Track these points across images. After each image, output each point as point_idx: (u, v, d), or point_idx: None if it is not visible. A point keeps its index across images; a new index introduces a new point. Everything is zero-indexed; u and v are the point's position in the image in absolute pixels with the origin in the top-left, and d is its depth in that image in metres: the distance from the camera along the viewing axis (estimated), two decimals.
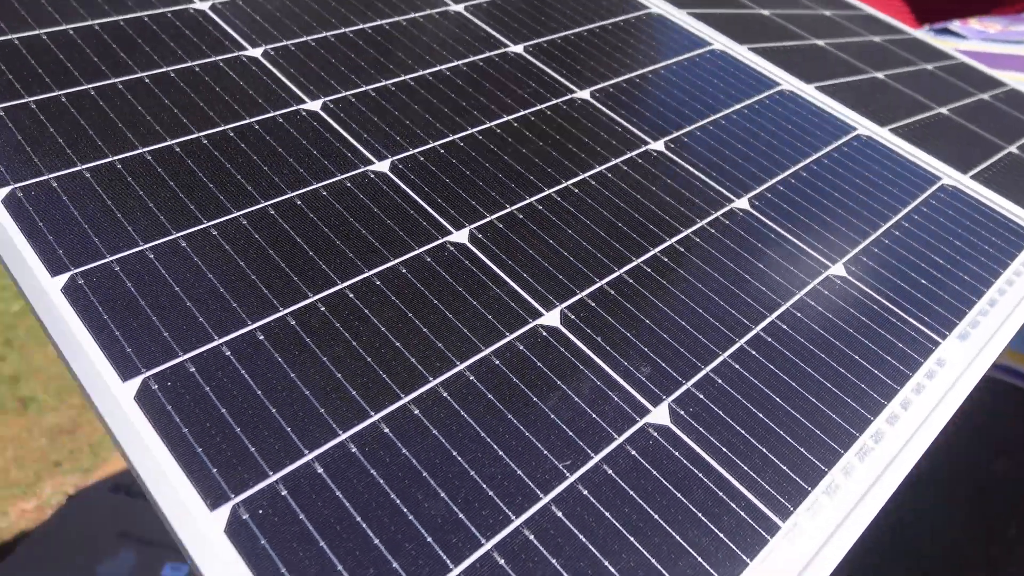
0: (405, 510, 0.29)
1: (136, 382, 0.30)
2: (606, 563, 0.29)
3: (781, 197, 0.48)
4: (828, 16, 0.84)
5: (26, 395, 2.20)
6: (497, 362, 0.35)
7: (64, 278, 0.33)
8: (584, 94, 0.53)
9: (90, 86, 0.42)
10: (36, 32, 0.44)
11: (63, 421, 2.10)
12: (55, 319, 0.32)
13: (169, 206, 0.38)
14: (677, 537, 0.30)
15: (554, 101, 0.52)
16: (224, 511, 0.28)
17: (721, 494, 0.32)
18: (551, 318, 0.37)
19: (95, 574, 1.58)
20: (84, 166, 0.38)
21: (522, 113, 0.50)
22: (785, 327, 0.40)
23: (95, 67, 0.43)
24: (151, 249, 0.36)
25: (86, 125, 0.40)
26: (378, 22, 0.52)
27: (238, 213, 0.38)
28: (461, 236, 0.40)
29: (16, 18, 0.44)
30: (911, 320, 0.41)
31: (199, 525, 0.27)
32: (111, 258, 0.35)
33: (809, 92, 0.59)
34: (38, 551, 1.65)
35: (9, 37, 0.43)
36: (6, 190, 0.36)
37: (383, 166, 0.43)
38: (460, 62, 0.52)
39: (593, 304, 0.39)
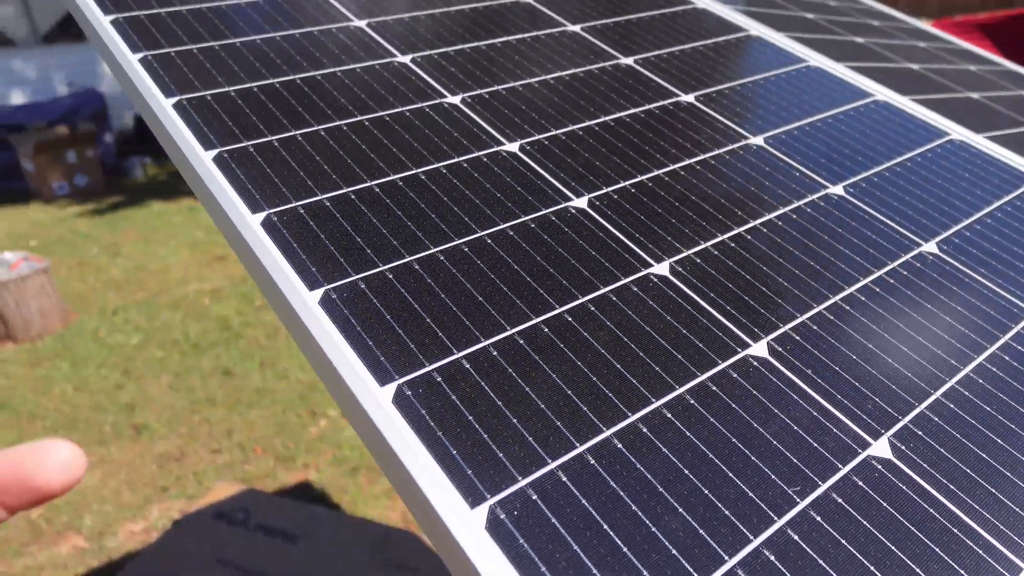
0: (647, 521, 0.30)
1: (392, 387, 0.33)
2: None
3: (968, 241, 0.48)
4: (973, 71, 0.83)
5: (140, 423, 2.32)
6: (713, 387, 0.36)
7: (319, 293, 0.36)
8: (758, 140, 0.55)
9: (320, 127, 0.47)
10: (248, 85, 0.49)
11: (172, 449, 2.20)
12: (319, 327, 0.35)
13: (400, 233, 0.41)
14: (918, 570, 0.30)
15: (730, 146, 0.53)
16: (483, 510, 0.29)
17: (956, 531, 0.32)
18: (759, 349, 0.38)
19: None
20: (323, 196, 0.42)
21: (702, 157, 0.52)
22: (994, 369, 0.40)
23: (321, 111, 0.48)
24: (390, 270, 0.39)
25: (322, 161, 0.45)
26: (559, 73, 0.55)
27: (459, 241, 0.41)
28: (662, 269, 0.42)
29: (231, 74, 0.49)
30: None
31: (464, 520, 0.29)
32: (356, 276, 0.38)
33: (979, 142, 0.59)
34: (143, 571, 1.72)
35: (227, 90, 0.48)
36: (262, 215, 0.41)
37: (581, 202, 0.46)
38: (637, 110, 0.55)
39: (797, 337, 0.39)
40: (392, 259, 0.39)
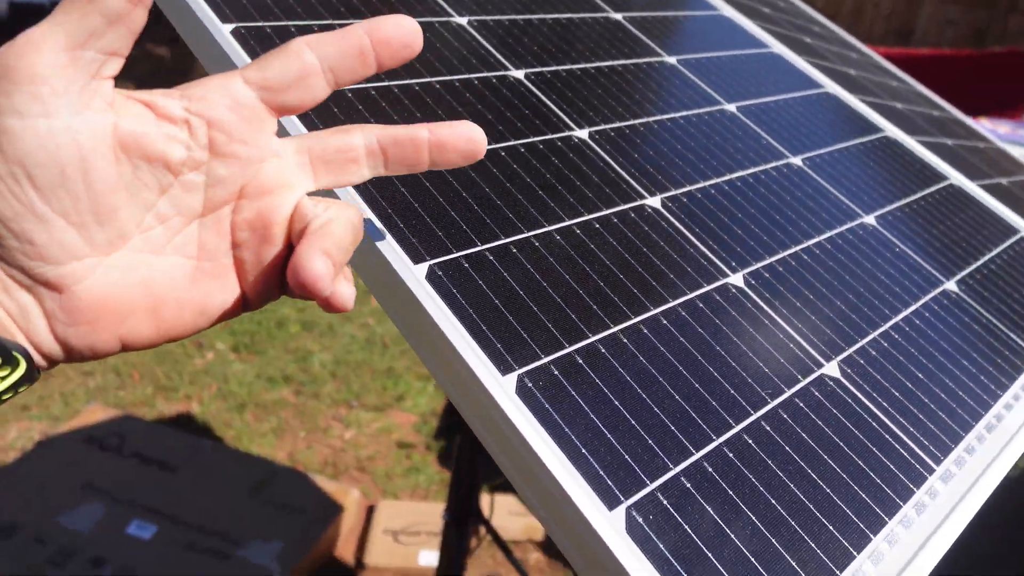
0: (650, 403, 0.34)
1: (512, 378, 0.33)
2: None
3: (899, 217, 0.56)
4: (894, 86, 0.94)
5: None
6: (700, 304, 0.40)
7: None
8: (732, 107, 0.60)
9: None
10: None
11: None
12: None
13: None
14: (857, 460, 0.36)
15: (707, 108, 0.58)
16: (512, 379, 0.32)
17: (887, 436, 0.38)
18: (736, 279, 0.43)
19: (57, 520, 1.54)
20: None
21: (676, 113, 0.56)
22: (927, 314, 0.47)
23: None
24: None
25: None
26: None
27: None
28: (655, 202, 0.46)
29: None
30: None
31: (500, 383, 0.32)
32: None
33: (908, 141, 0.67)
34: None
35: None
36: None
37: (583, 133, 0.49)
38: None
39: (767, 275, 0.45)
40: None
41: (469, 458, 1.26)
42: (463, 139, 0.30)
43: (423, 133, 0.30)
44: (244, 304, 0.29)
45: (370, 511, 1.78)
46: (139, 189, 0.26)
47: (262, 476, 1.71)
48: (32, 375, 0.24)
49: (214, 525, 1.59)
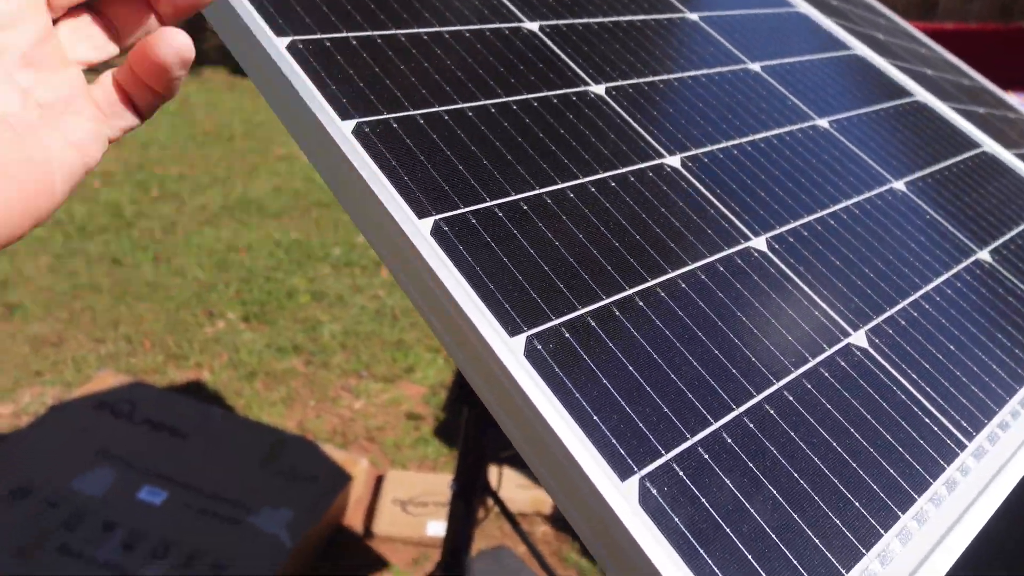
0: (667, 369, 0.32)
1: (521, 339, 0.31)
2: None
3: (929, 184, 0.53)
4: (923, 52, 0.90)
5: (13, 301, 2.15)
6: (721, 268, 0.38)
7: (352, 123, 0.35)
8: (755, 66, 0.57)
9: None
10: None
11: (48, 332, 2.06)
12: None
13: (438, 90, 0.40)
14: (886, 434, 0.34)
15: (730, 66, 0.55)
16: (520, 340, 0.30)
17: (916, 409, 0.36)
18: (759, 243, 0.41)
19: (70, 485, 1.55)
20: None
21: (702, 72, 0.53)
22: (959, 284, 0.45)
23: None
24: (422, 115, 0.38)
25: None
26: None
27: (487, 101, 0.41)
28: (675, 161, 0.44)
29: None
30: None
31: (508, 345, 0.30)
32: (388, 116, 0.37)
33: (939, 105, 0.64)
34: (12, 455, 1.62)
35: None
36: (287, 39, 0.38)
37: (599, 88, 0.46)
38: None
39: (792, 239, 0.42)
40: (422, 106, 0.39)
41: (477, 430, 1.25)
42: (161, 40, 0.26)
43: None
44: (80, 158, 0.26)
45: (379, 481, 1.78)
46: None
47: (272, 444, 1.72)
48: None
49: (224, 492, 1.60)
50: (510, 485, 1.78)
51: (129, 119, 0.27)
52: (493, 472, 1.75)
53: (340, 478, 1.67)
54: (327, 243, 2.65)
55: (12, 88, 0.24)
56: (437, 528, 1.69)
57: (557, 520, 1.76)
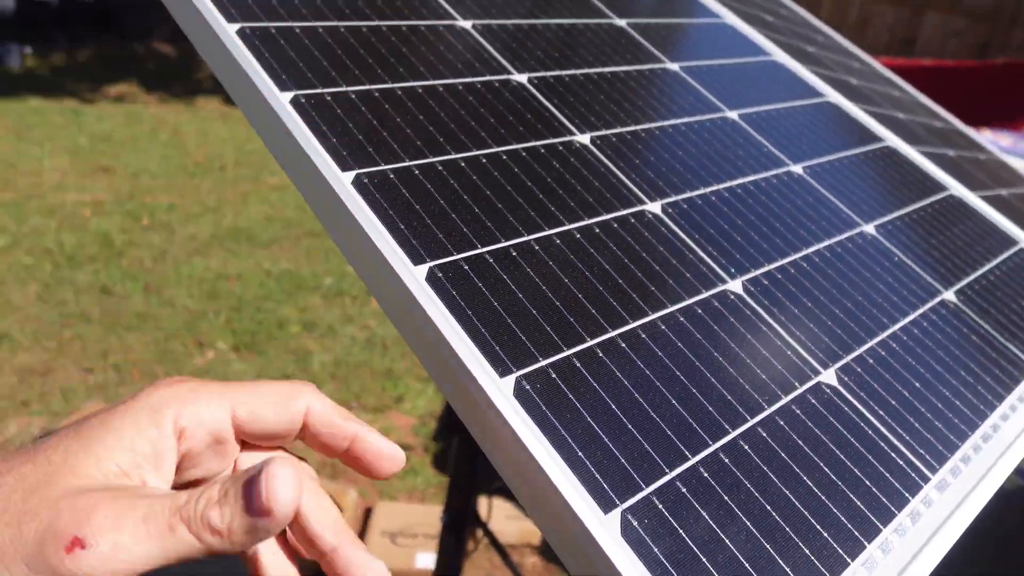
0: (647, 407, 0.34)
1: (511, 380, 0.33)
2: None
3: (898, 228, 0.56)
4: (896, 95, 0.94)
5: (0, 331, 2.14)
6: (699, 311, 0.41)
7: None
8: (733, 115, 0.60)
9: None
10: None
11: (35, 363, 2.05)
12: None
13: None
14: (854, 468, 0.36)
15: (709, 115, 0.59)
16: (510, 380, 0.32)
17: (883, 445, 0.38)
18: (735, 286, 0.43)
19: None
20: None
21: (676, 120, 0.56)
22: (925, 324, 0.47)
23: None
24: (417, 167, 0.41)
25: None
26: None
27: (477, 152, 0.44)
28: (655, 208, 0.46)
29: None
30: None
31: (498, 385, 0.32)
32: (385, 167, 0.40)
33: (908, 151, 0.67)
34: None
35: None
36: (290, 94, 0.41)
37: (584, 138, 0.49)
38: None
39: (766, 282, 0.45)
40: (417, 157, 0.41)
41: (467, 461, 1.26)
42: (380, 457, 0.31)
43: (352, 431, 0.31)
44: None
45: (367, 512, 1.78)
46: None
47: None
48: None
49: None
50: (499, 516, 1.79)
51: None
52: (483, 503, 1.76)
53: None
54: (318, 273, 2.67)
55: None
56: (427, 560, 1.68)
57: (546, 551, 1.76)
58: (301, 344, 2.28)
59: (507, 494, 1.85)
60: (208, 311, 2.36)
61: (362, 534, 1.73)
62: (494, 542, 1.36)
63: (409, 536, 1.73)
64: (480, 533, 1.62)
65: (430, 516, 1.77)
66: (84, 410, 1.82)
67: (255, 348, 2.23)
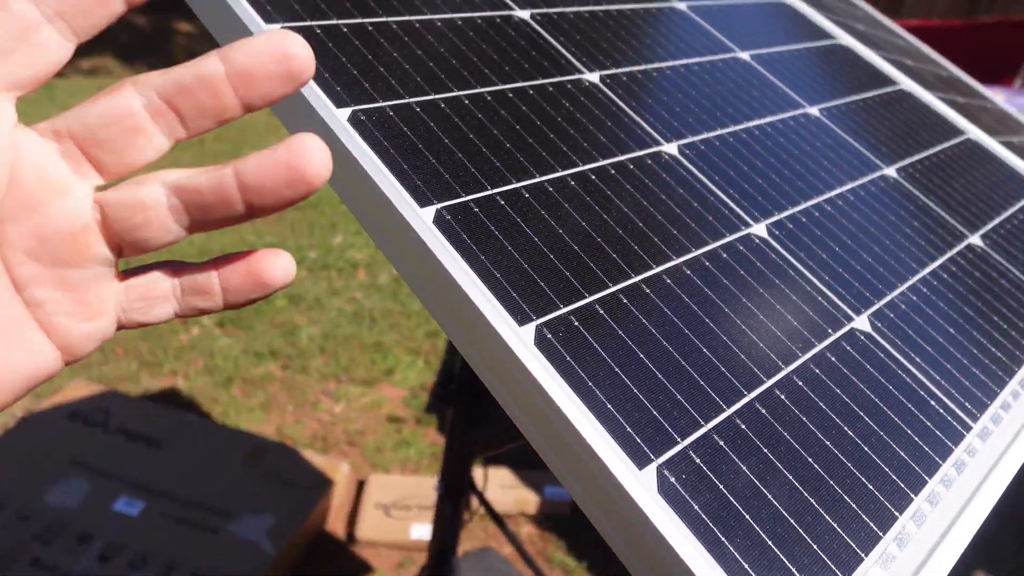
0: (677, 356, 0.32)
1: (531, 328, 0.30)
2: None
3: (919, 170, 0.53)
4: (901, 44, 0.91)
5: None
6: (724, 255, 0.38)
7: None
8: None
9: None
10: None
11: None
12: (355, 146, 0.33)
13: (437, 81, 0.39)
14: (893, 416, 0.34)
15: (720, 55, 0.55)
16: (530, 328, 0.30)
17: (922, 393, 0.36)
18: (759, 229, 0.41)
19: (43, 497, 1.51)
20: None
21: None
22: (952, 268, 0.45)
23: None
24: (417, 104, 0.37)
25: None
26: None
27: (482, 89, 0.40)
28: (672, 148, 0.43)
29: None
30: None
31: (518, 334, 0.29)
32: (383, 103, 0.36)
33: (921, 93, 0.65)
34: None
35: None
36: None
37: (593, 76, 0.46)
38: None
39: (791, 225, 0.42)
40: (417, 93, 0.38)
41: (461, 431, 1.24)
42: (273, 57, 0.21)
43: (214, 67, 0.21)
44: (61, 357, 0.22)
45: (360, 485, 1.76)
46: None
47: (251, 451, 1.69)
48: None
49: (203, 500, 1.57)
50: (494, 486, 1.77)
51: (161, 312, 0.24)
52: (478, 473, 1.74)
53: (321, 483, 1.65)
54: (303, 246, 2.62)
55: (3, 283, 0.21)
56: (421, 531, 1.67)
57: (541, 520, 1.76)
58: (288, 318, 2.24)
59: (501, 464, 1.84)
60: None
61: (355, 507, 1.72)
62: (491, 511, 1.35)
63: (403, 508, 1.72)
64: (475, 503, 1.61)
65: (423, 488, 1.76)
66: (67, 388, 1.78)
67: (240, 323, 2.19)
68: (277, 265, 0.23)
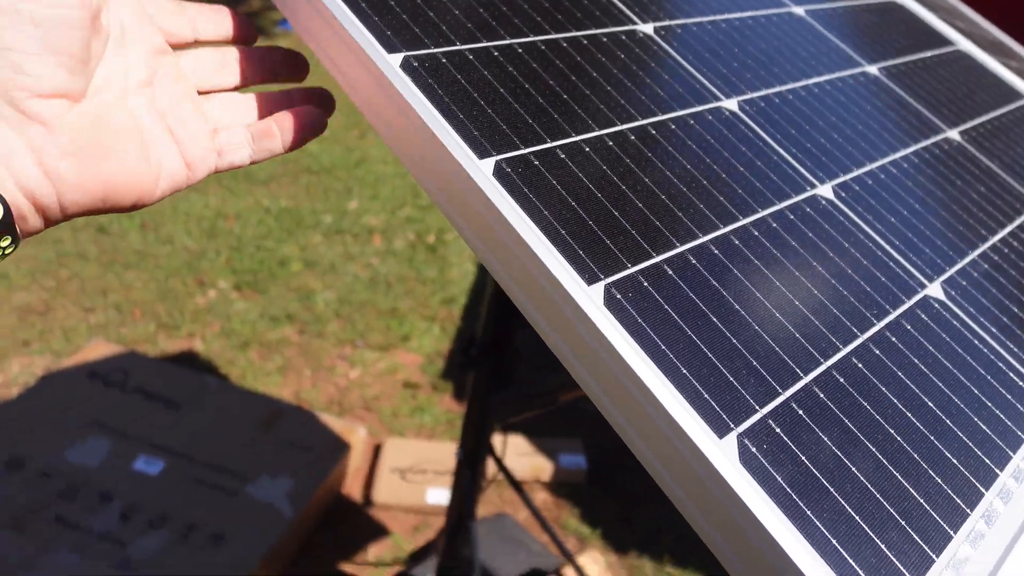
0: (749, 319, 0.30)
1: (599, 288, 0.30)
2: None
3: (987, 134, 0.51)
4: None
5: None
6: (791, 216, 0.36)
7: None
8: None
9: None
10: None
11: (34, 301, 2.01)
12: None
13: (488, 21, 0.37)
14: (966, 381, 0.32)
15: (771, 10, 0.53)
16: (599, 288, 0.28)
17: (999, 364, 0.34)
18: (825, 191, 0.39)
19: (64, 456, 1.52)
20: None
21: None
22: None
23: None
24: (469, 51, 0.35)
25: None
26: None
27: (536, 38, 0.38)
28: (731, 104, 0.41)
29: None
30: None
31: (587, 292, 0.27)
32: (435, 50, 0.34)
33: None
34: (3, 426, 1.59)
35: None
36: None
37: (648, 27, 0.43)
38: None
39: (856, 187, 0.40)
40: (469, 40, 0.36)
41: (482, 397, 1.23)
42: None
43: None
44: (187, 172, 0.32)
45: (377, 450, 1.77)
46: (100, 50, 0.29)
47: (269, 414, 1.69)
48: (11, 225, 0.26)
49: (222, 461, 1.57)
50: (511, 453, 1.78)
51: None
52: (496, 440, 1.74)
53: (338, 447, 1.66)
54: (318, 210, 2.61)
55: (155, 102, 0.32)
56: (437, 496, 1.68)
57: (556, 488, 1.76)
58: (303, 283, 2.23)
59: (517, 431, 1.84)
60: (208, 250, 2.31)
61: (372, 471, 1.73)
62: (509, 478, 1.35)
63: (419, 472, 1.73)
64: (490, 470, 1.61)
65: (439, 452, 1.76)
66: (86, 349, 1.79)
67: (257, 287, 2.18)
68: (311, 115, 0.34)
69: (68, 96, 0.28)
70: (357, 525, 1.63)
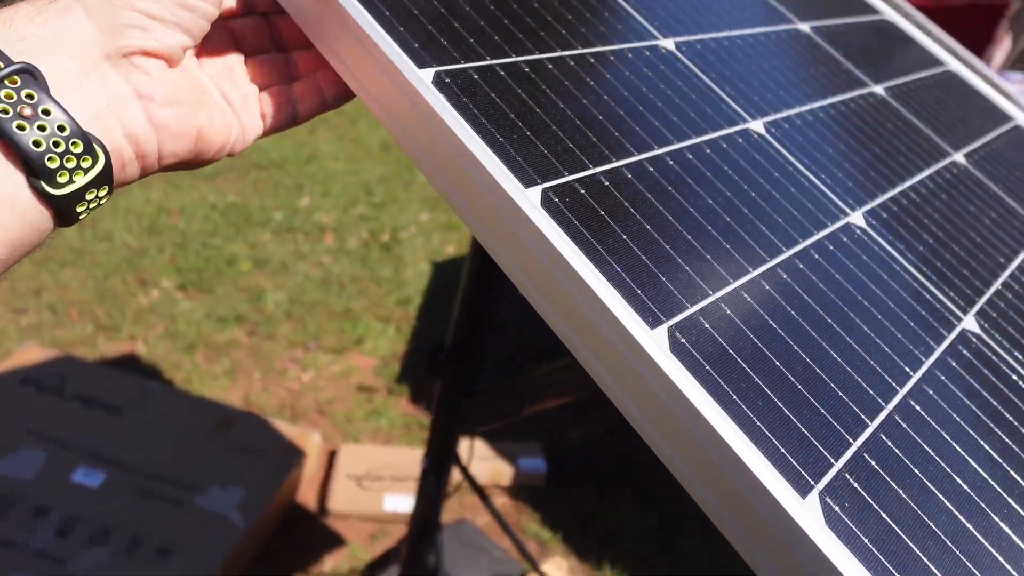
0: (811, 365, 0.29)
1: (663, 330, 0.28)
2: None
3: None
4: None
5: None
6: (830, 246, 0.35)
7: (431, 72, 0.30)
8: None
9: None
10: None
11: None
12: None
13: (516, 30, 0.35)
14: (1011, 417, 0.32)
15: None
16: (662, 331, 0.26)
17: None
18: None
19: None
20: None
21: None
22: None
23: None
24: (500, 66, 0.33)
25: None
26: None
27: (564, 53, 0.36)
28: (758, 126, 0.40)
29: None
30: None
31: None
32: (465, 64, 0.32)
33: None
34: None
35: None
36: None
37: (668, 43, 0.42)
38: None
39: (885, 214, 0.39)
40: (498, 55, 0.33)
41: (448, 404, 1.20)
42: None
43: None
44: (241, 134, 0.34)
45: (332, 456, 1.72)
46: None
47: (217, 420, 1.62)
48: (109, 176, 0.27)
49: (168, 471, 1.50)
50: (472, 457, 1.75)
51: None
52: (463, 446, 1.72)
53: (292, 454, 1.60)
54: (267, 207, 2.52)
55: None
56: (395, 503, 1.64)
57: (516, 493, 1.75)
58: (253, 282, 2.15)
59: (488, 436, 1.82)
60: (150, 247, 2.20)
61: (327, 477, 1.68)
62: (474, 485, 1.32)
63: (375, 479, 1.69)
64: (455, 476, 1.59)
65: (397, 458, 1.72)
66: (18, 353, 1.68)
67: (203, 286, 2.09)
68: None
69: (169, 60, 0.29)
70: (312, 534, 1.58)
